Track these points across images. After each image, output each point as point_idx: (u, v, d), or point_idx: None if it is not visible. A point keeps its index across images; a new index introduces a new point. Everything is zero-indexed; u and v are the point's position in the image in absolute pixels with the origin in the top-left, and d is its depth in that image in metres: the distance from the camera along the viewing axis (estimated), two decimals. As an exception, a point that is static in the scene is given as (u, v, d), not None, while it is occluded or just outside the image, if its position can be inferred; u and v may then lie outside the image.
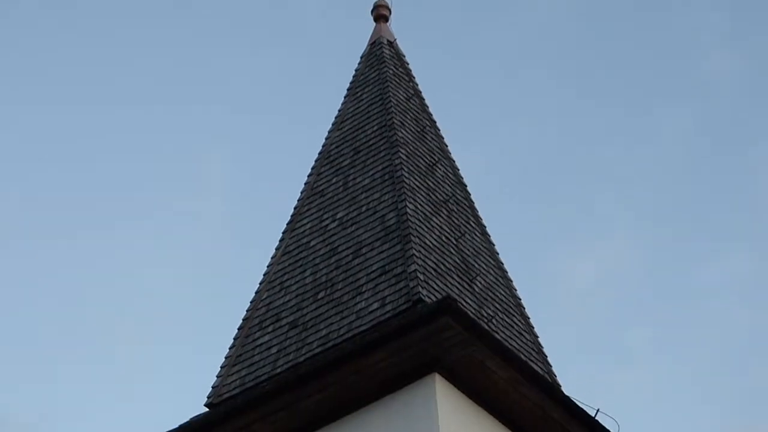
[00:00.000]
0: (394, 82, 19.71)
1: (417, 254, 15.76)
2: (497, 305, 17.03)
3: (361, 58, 20.80)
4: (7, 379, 43.20)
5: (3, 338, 42.64)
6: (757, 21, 39.89)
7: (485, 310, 16.42)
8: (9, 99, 43.40)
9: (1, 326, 41.36)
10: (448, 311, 13.90)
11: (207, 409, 15.89)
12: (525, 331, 17.33)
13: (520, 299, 17.92)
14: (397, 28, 21.25)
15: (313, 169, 19.06)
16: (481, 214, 18.68)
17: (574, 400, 15.17)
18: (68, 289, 42.50)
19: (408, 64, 20.73)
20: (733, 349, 38.78)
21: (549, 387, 15.11)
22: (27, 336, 44.00)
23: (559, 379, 17.06)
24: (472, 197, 18.87)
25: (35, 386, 43.07)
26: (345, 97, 20.11)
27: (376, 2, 21.40)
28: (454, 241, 17.11)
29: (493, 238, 18.38)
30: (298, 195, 18.68)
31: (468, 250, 17.29)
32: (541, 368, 16.52)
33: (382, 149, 18.13)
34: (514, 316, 17.34)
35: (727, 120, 41.42)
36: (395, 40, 21.01)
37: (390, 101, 19.06)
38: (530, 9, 42.03)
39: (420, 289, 15.12)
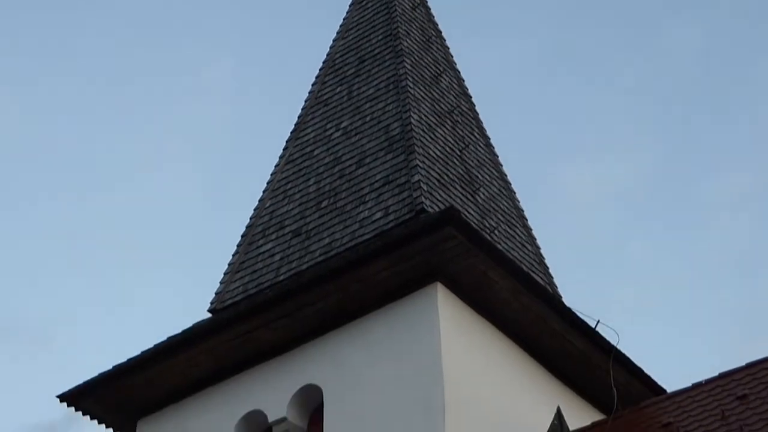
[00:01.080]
0: (399, -10, 19.54)
1: (421, 164, 15.76)
2: (500, 216, 17.08)
3: (367, -34, 20.60)
4: (9, 286, 43.53)
5: (4, 244, 42.93)
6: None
7: (488, 221, 16.47)
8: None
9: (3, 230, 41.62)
10: (450, 221, 13.94)
11: (210, 315, 16.03)
12: (527, 242, 17.40)
13: (522, 211, 17.96)
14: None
15: (317, 78, 18.99)
16: (485, 125, 18.65)
17: (575, 312, 15.28)
18: (69, 194, 42.61)
19: (413, -28, 20.55)
20: (732, 263, 38.90)
21: (550, 298, 15.22)
22: (29, 242, 44.23)
23: (561, 291, 17.18)
24: (477, 108, 18.83)
25: (37, 292, 43.45)
26: (350, 6, 19.95)
27: None
28: (458, 152, 17.10)
29: (497, 150, 18.38)
30: (302, 104, 18.64)
31: (472, 161, 17.30)
32: (542, 279, 16.61)
33: (387, 58, 18.03)
34: (516, 227, 17.39)
35: (735, 34, 41.09)
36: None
37: (395, 10, 18.92)
38: None
39: (423, 199, 15.15)
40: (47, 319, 44.26)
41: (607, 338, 15.52)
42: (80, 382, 15.83)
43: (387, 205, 15.54)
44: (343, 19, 19.82)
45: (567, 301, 15.85)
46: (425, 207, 15.06)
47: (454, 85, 18.76)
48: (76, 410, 16.00)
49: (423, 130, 16.60)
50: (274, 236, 16.66)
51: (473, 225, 14.71)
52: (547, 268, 17.37)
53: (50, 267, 42.64)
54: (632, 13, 41.23)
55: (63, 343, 43.46)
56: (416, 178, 15.48)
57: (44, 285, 42.77)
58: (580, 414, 15.56)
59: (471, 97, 18.93)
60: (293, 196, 16.97)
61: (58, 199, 41.92)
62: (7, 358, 44.04)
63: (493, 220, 16.71)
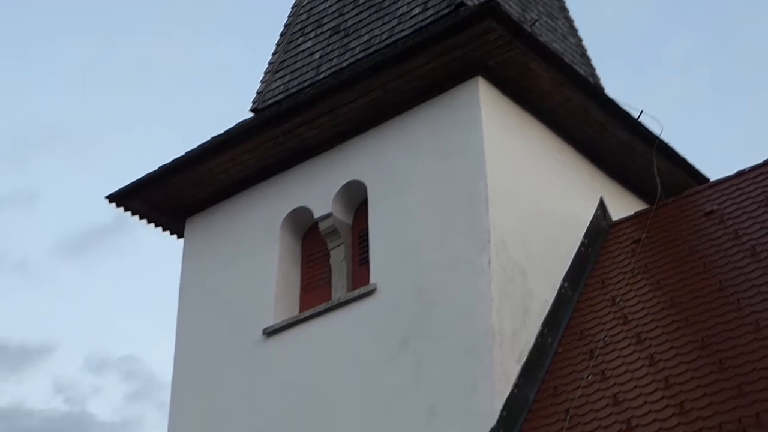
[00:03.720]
0: None
1: (459, -44, 15.44)
2: (541, 8, 16.83)
3: None
4: (59, 92, 43.79)
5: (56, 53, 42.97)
6: None
7: (529, 14, 16.23)
8: None
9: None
10: (491, 14, 13.74)
11: (252, 115, 16.08)
12: (569, 34, 17.19)
13: (564, 2, 17.69)
14: None
15: None
16: None
17: (618, 102, 15.20)
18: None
19: None
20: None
21: (592, 89, 15.11)
22: (78, 49, 44.26)
23: (604, 83, 17.04)
24: None
25: (86, 98, 43.73)
26: None
27: None
28: (499, -57, 16.71)
29: (538, -60, 17.96)
30: None
31: (512, -48, 16.93)
32: (584, 71, 16.46)
33: None
34: (558, 19, 17.15)
35: None
36: None
37: None
38: None
39: (462, -8, 14.90)
40: (96, 124, 44.68)
41: (651, 128, 15.50)
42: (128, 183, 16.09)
43: (426, 0, 15.34)
44: None
45: (610, 92, 15.73)
46: (464, 0, 14.84)
47: None
48: (125, 210, 16.28)
49: None
50: (312, 35, 16.54)
51: (514, 17, 14.49)
52: (589, 59, 17.19)
53: (98, 74, 42.86)
54: None
55: (112, 147, 44.01)
56: (455, -30, 15.18)
57: (93, 91, 43.09)
58: (623, 204, 15.67)
59: None
60: (330, -7, 16.78)
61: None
62: (58, 164, 44.73)
63: (534, 12, 16.47)
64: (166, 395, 15.20)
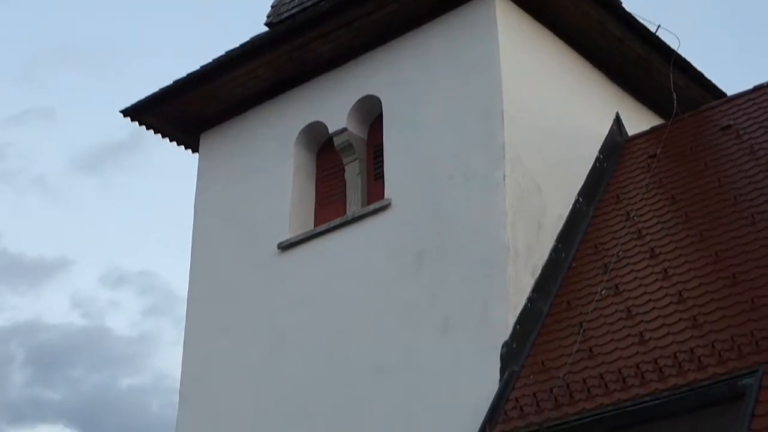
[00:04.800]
0: None
1: None
2: None
3: None
4: (74, 8, 43.57)
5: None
6: None
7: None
8: None
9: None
10: (508, -74, 13.59)
11: (267, 29, 16.00)
12: (586, -53, 16.97)
13: None
14: None
15: None
16: None
17: (635, 16, 15.07)
18: None
19: None
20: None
21: (609, 3, 14.94)
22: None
23: (620, -3, 16.87)
24: None
25: (101, 14, 43.53)
26: None
27: None
28: None
29: None
30: None
31: None
32: (601, -15, 16.28)
33: None
34: (575, -69, 16.94)
35: None
36: None
37: None
38: None
39: None
40: (111, 40, 44.53)
41: (668, 43, 15.38)
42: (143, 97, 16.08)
43: None
44: None
45: (627, 6, 15.57)
46: None
47: None
48: (140, 125, 16.30)
49: None
50: (328, -53, 16.39)
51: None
52: (607, -27, 17.00)
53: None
54: None
55: (128, 63, 43.94)
56: None
57: (108, 5, 42.92)
58: (639, 119, 15.62)
59: None
60: None
61: None
62: (74, 80, 44.68)
63: (551, -76, 16.27)
64: (182, 310, 15.35)
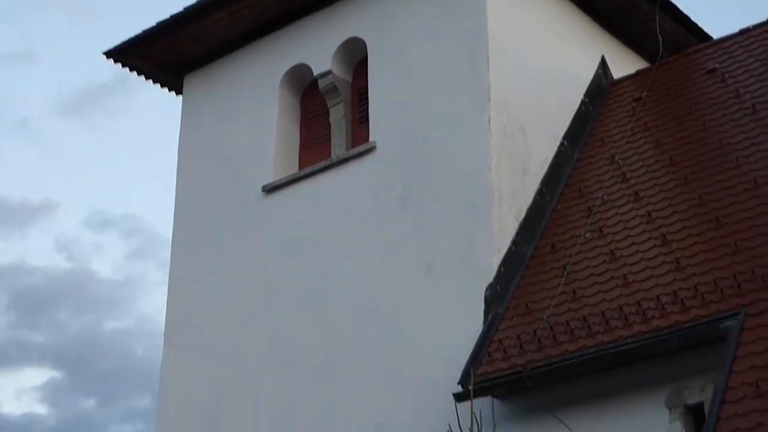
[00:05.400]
0: None
1: None
2: None
3: None
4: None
5: None
6: None
7: None
8: None
9: None
10: None
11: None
12: None
13: None
14: None
15: None
16: None
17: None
18: None
19: None
20: None
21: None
22: None
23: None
24: None
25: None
26: None
27: None
28: None
29: None
30: None
31: None
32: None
33: None
34: None
35: None
36: None
37: None
38: None
39: None
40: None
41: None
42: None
43: None
44: None
45: (613, -52, 15.48)
46: None
47: None
48: (123, 66, 16.19)
49: None
50: None
51: None
52: None
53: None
54: None
55: (111, 5, 43.61)
56: None
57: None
58: (624, 63, 15.58)
59: None
60: None
61: None
62: (56, 22, 44.35)
63: None
64: (167, 253, 15.35)
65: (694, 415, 10.28)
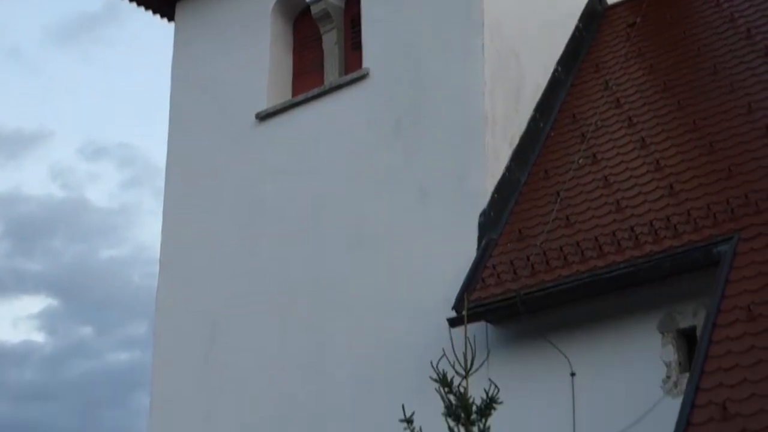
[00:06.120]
0: None
1: None
2: None
3: None
4: None
5: None
6: None
7: None
8: None
9: None
10: None
11: None
12: None
13: None
14: None
15: None
16: None
17: None
18: None
19: None
20: None
21: None
22: None
23: None
24: None
25: None
26: None
27: None
28: None
29: None
30: None
31: None
32: None
33: None
34: None
35: None
36: None
37: None
38: None
39: None
40: None
41: None
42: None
43: None
44: None
45: None
46: None
47: None
48: (115, -6, 16.07)
49: None
50: None
51: None
52: None
53: None
54: None
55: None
56: None
57: None
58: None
59: None
60: None
61: None
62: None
63: None
64: (162, 181, 15.32)
65: (687, 338, 10.36)
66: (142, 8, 16.29)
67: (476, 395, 8.97)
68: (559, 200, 11.99)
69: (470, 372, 9.08)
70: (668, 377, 10.27)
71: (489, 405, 8.96)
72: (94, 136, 45.90)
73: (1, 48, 43.27)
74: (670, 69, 13.22)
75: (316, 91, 14.20)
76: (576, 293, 10.82)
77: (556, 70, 13.88)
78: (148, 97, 42.50)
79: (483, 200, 12.25)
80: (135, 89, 42.98)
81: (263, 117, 14.50)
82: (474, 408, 8.92)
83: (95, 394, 38.08)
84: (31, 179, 44.06)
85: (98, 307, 39.72)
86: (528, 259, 11.39)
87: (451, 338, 10.00)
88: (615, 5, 15.06)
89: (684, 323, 10.34)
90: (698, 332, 9.85)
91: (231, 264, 14.13)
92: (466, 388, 8.98)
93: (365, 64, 13.85)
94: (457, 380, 9.03)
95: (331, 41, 14.66)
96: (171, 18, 16.27)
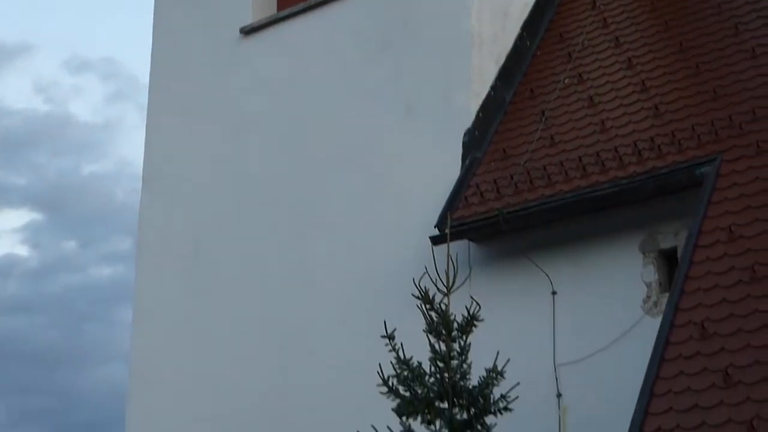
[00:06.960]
0: None
1: None
2: None
3: None
4: None
5: None
6: None
7: None
8: None
9: None
10: None
11: None
12: None
13: None
14: None
15: None
16: None
17: None
18: None
19: None
20: None
21: None
22: None
23: None
24: None
25: None
26: None
27: None
28: None
29: None
30: None
31: None
32: None
33: None
34: None
35: None
36: None
37: None
38: None
39: None
40: None
41: None
42: None
43: None
44: None
45: None
46: None
47: None
48: None
49: None
50: None
51: None
52: None
53: None
54: None
55: None
56: None
57: None
58: None
59: None
60: None
61: None
62: None
63: None
64: (146, 96, 15.22)
65: (668, 259, 10.43)
66: None
67: (457, 312, 9.05)
68: (543, 120, 11.97)
69: (452, 289, 9.16)
70: (648, 297, 10.35)
71: (470, 322, 9.04)
72: (77, 49, 45.58)
73: (-18, -41, 42.66)
74: (658, -10, 13.14)
75: (301, 5, 14.07)
76: (559, 212, 10.85)
77: (543, -11, 13.78)
78: (132, 12, 42.11)
79: (468, 119, 12.22)
80: (119, 3, 42.55)
81: (248, 31, 14.38)
82: (455, 325, 9.01)
83: (79, 308, 38.24)
84: (14, 93, 43.81)
85: (82, 222, 39.72)
86: (511, 178, 11.40)
87: (434, 256, 10.08)
88: (605, -77, 14.90)
89: (665, 243, 10.40)
90: (679, 253, 9.91)
91: (214, 179, 14.11)
92: (447, 306, 9.06)
93: (352, -22, 13.72)
94: (438, 297, 9.10)
95: (317, -46, 14.51)
96: (155, -70, 16.05)
